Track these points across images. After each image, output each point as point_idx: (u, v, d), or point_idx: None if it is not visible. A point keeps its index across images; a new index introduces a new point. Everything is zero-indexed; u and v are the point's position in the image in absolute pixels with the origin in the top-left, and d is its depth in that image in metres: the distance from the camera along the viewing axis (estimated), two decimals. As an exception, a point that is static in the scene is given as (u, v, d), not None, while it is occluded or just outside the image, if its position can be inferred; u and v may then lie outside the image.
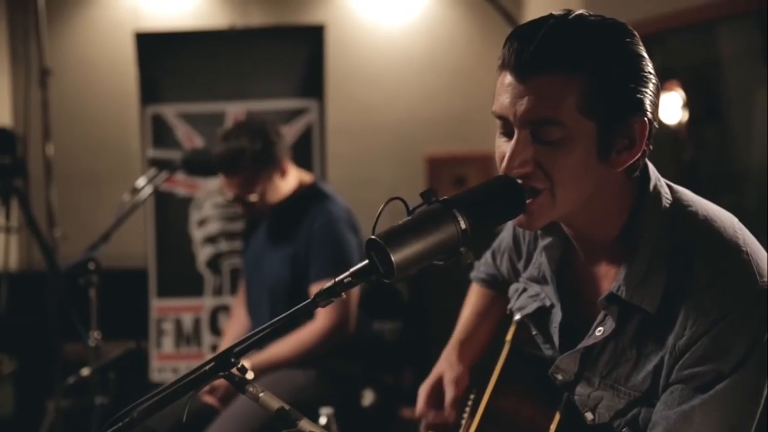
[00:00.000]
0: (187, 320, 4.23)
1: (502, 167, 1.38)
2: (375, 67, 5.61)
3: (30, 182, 4.16)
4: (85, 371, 2.64)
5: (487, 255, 1.99)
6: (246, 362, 1.34)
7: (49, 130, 4.24)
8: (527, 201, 1.37)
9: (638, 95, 1.35)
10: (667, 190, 1.46)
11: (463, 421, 1.92)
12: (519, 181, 1.37)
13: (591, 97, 1.33)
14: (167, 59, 4.33)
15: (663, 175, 1.48)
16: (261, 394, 1.29)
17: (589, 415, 1.50)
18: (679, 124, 3.46)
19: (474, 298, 2.03)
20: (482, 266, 2.01)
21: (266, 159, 2.92)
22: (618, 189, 1.43)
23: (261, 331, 1.30)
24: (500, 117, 1.39)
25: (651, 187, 1.44)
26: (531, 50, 1.32)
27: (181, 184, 4.26)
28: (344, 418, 2.71)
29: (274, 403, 1.29)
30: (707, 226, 1.42)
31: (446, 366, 1.93)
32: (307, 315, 2.90)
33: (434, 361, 2.01)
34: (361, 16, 5.62)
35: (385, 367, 3.40)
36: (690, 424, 1.34)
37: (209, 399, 2.87)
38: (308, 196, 3.04)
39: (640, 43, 1.39)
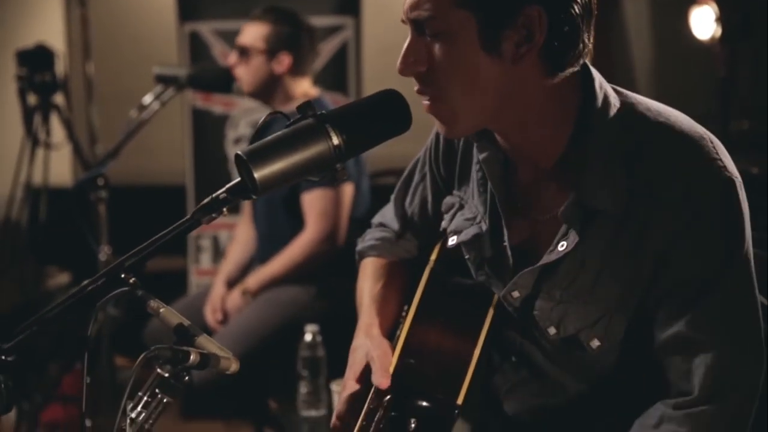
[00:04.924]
0: (224, 237, 4.30)
1: (397, 67, 1.36)
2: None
3: (72, 100, 4.27)
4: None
5: (373, 220, 1.87)
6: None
7: (90, 49, 4.32)
8: (428, 107, 1.37)
9: None
10: (614, 94, 1.39)
11: None
12: (416, 87, 1.37)
13: None
14: (205, -25, 4.32)
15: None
16: (162, 310, 1.29)
17: (552, 330, 1.45)
18: (713, 39, 3.26)
19: (371, 269, 1.78)
20: (367, 235, 1.85)
21: (293, 40, 3.03)
22: (543, 92, 1.35)
23: (149, 245, 1.28)
24: (402, 20, 1.37)
25: (597, 91, 1.37)
26: None
27: (217, 102, 4.29)
28: (343, 335, 2.73)
29: (174, 319, 1.28)
30: (662, 120, 1.36)
31: (373, 351, 1.56)
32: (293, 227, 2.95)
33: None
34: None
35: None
36: (706, 330, 1.32)
37: (213, 318, 2.95)
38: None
39: None
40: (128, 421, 1.19)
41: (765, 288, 1.46)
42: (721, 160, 1.32)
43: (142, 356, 1.14)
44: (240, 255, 3.21)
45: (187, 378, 1.21)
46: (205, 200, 1.23)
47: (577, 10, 1.30)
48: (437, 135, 1.67)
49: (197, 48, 4.27)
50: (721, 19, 3.19)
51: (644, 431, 1.37)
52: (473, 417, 1.62)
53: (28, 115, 3.90)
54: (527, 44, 1.30)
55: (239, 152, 1.19)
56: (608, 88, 1.40)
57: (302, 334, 2.45)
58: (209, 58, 4.24)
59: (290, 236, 2.95)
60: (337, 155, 1.22)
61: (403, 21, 1.37)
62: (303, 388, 2.43)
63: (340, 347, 2.52)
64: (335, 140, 1.21)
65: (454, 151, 1.64)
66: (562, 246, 1.39)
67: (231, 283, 3.07)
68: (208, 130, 4.33)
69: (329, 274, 2.95)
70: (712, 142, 1.34)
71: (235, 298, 2.94)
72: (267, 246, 3.06)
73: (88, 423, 2.99)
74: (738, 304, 1.34)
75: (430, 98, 1.37)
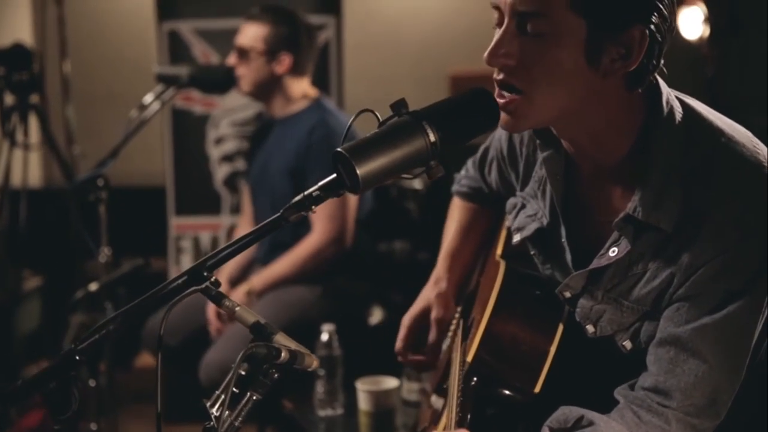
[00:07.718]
0: (205, 238, 4.26)
1: (485, 57, 1.35)
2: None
3: (48, 100, 4.18)
4: (93, 286, 2.67)
5: (469, 166, 1.95)
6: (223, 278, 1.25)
7: (66, 48, 4.24)
8: (506, 99, 1.35)
9: (643, 2, 1.29)
10: (678, 104, 1.41)
11: (447, 345, 1.88)
12: (500, 76, 1.35)
13: None
14: (184, -26, 4.26)
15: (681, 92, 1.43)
16: (237, 308, 1.28)
17: (590, 328, 1.50)
18: (701, 39, 3.34)
19: (457, 213, 1.98)
20: (463, 179, 1.97)
21: (293, 39, 3.03)
22: (619, 103, 1.38)
23: (233, 244, 1.28)
24: (495, 6, 1.35)
25: (664, 103, 1.39)
26: None
27: (197, 102, 4.24)
28: (349, 335, 2.73)
29: (250, 317, 1.28)
30: (725, 141, 1.37)
31: (433, 297, 1.87)
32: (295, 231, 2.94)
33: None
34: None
35: (395, 287, 3.40)
36: (702, 342, 1.34)
37: (214, 323, 2.93)
38: (310, 110, 3.05)
39: None
40: (213, 419, 1.18)
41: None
42: None
43: (242, 353, 1.14)
44: (241, 255, 3.18)
45: (276, 375, 1.21)
46: (296, 198, 1.22)
47: (669, 37, 1.34)
48: (504, 135, 1.70)
49: (177, 47, 4.22)
50: (710, 20, 3.27)
51: (630, 408, 1.39)
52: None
53: (5, 115, 3.81)
54: (622, 62, 1.32)
55: (339, 149, 1.19)
56: (673, 97, 1.42)
57: (319, 333, 2.44)
58: (189, 58, 4.19)
59: (293, 239, 2.95)
60: (433, 152, 1.23)
61: (496, 7, 1.35)
62: (320, 388, 2.42)
63: (348, 345, 2.52)
64: (432, 137, 1.23)
65: (518, 154, 1.67)
66: (613, 252, 1.43)
67: (232, 284, 3.04)
68: (188, 131, 4.28)
69: (334, 274, 2.95)
70: None
71: (239, 297, 2.91)
72: (269, 248, 3.04)
73: (93, 427, 2.95)
74: (743, 331, 1.36)
75: (510, 92, 1.35)
